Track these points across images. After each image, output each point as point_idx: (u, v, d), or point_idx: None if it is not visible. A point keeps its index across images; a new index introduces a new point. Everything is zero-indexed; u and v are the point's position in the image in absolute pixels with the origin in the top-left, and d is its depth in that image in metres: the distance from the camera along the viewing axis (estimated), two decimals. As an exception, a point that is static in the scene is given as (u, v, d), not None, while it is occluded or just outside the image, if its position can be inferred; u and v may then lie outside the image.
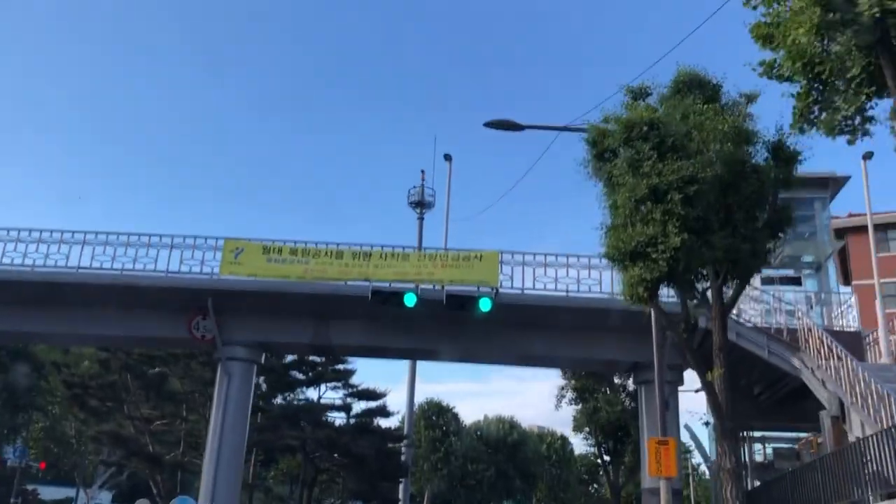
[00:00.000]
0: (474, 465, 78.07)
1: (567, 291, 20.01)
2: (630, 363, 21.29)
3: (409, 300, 19.58)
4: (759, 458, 24.97)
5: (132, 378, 29.89)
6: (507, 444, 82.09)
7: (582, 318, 20.27)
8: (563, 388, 30.39)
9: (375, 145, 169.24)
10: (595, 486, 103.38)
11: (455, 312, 20.13)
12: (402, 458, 34.95)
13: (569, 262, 20.27)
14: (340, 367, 37.35)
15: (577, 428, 31.22)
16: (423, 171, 39.26)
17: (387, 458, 31.12)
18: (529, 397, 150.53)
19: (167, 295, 20.29)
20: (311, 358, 36.95)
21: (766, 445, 25.38)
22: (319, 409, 31.87)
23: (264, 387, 34.26)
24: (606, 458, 30.73)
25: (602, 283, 20.06)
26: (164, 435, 32.68)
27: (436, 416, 78.95)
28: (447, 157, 32.62)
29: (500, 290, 19.93)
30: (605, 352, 21.03)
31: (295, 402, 33.06)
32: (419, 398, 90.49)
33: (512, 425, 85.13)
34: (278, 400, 36.16)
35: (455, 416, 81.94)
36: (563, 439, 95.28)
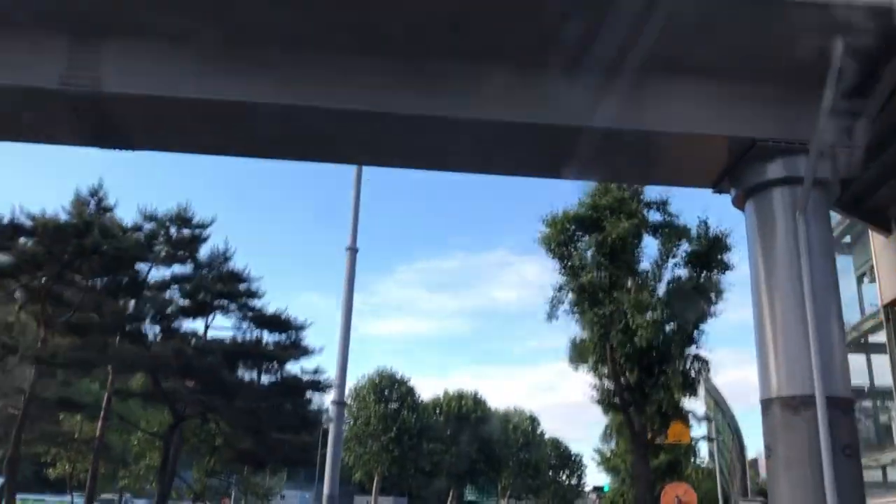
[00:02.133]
0: (432, 446, 67.88)
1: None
2: (738, 146, 10.19)
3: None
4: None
5: None
6: (470, 421, 72.39)
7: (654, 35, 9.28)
8: (560, 289, 19.28)
9: None
10: (566, 472, 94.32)
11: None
12: (324, 409, 24.10)
13: None
14: (242, 286, 26.26)
15: (580, 356, 20.03)
16: None
17: (286, 399, 19.77)
18: (493, 392, 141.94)
19: None
20: (203, 272, 25.81)
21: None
22: (168, 311, 20.15)
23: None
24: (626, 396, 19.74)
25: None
26: None
27: (388, 390, 68.40)
28: None
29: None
30: (690, 116, 9.89)
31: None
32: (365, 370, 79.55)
33: (476, 401, 75.23)
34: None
35: (410, 391, 71.42)
36: (533, 420, 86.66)
